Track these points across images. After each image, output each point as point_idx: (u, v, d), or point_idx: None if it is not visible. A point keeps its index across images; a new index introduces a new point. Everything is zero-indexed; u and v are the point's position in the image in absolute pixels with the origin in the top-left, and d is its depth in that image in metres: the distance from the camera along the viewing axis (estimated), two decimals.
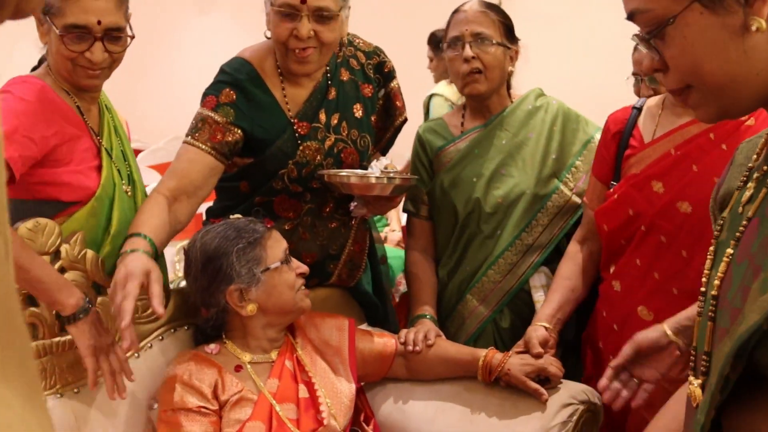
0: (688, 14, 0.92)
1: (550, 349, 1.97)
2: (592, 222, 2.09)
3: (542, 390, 1.85)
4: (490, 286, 2.25)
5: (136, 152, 2.79)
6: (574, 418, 1.84)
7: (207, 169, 1.97)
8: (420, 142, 2.38)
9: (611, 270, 2.04)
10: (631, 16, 1.02)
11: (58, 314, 1.72)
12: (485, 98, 2.27)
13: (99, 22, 1.82)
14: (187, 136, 2.02)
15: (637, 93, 2.66)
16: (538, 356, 1.90)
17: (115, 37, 1.87)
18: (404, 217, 3.27)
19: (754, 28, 0.88)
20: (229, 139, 2.00)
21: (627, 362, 1.63)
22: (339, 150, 2.15)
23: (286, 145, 2.07)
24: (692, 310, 1.64)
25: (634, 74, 2.60)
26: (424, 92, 4.53)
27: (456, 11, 2.25)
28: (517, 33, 2.28)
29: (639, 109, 2.05)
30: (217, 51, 7.34)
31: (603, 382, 1.65)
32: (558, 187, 2.25)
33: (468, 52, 2.17)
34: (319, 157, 2.11)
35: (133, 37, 1.91)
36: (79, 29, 1.81)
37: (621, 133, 2.04)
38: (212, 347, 1.85)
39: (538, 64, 3.20)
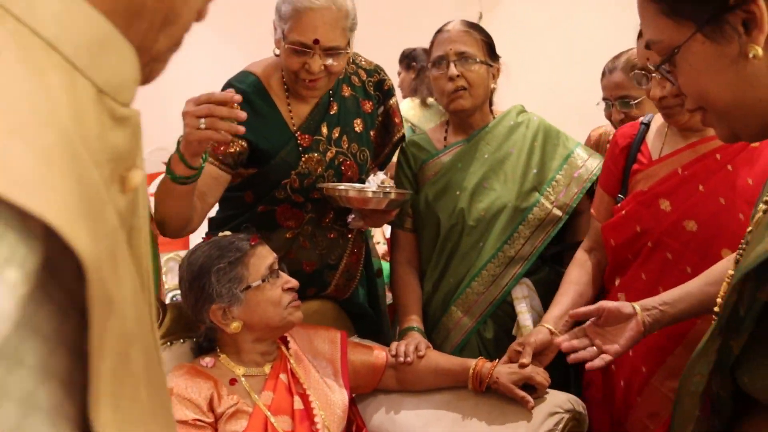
0: (692, 44, 0.98)
1: (551, 352, 2.00)
2: (599, 233, 2.13)
3: (528, 398, 1.89)
4: (473, 297, 2.29)
5: None
6: (560, 426, 1.88)
7: (210, 178, 2.01)
8: (404, 155, 2.43)
9: (616, 283, 2.07)
10: (648, 47, 1.09)
11: None
12: (469, 114, 2.33)
13: None
14: None
15: (608, 117, 2.71)
16: (523, 366, 1.94)
17: None
18: (388, 229, 3.31)
19: (751, 55, 0.93)
20: (233, 150, 2.05)
21: (587, 316, 1.70)
22: (339, 162, 2.22)
23: (289, 156, 2.14)
24: (667, 295, 1.69)
25: (604, 99, 2.65)
26: None
27: (439, 31, 2.31)
28: (498, 45, 2.34)
29: (647, 125, 2.09)
30: (198, 62, 7.37)
31: (563, 336, 1.74)
32: (539, 200, 2.30)
33: (453, 70, 2.23)
34: (320, 169, 2.18)
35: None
36: None
37: (629, 148, 2.07)
38: (207, 360, 1.88)
39: (519, 76, 3.26)
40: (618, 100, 2.56)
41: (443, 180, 2.35)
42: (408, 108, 4.29)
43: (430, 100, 4.20)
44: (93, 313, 0.46)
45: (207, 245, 1.87)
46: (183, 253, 4.36)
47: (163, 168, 6.43)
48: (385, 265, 3.70)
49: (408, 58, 4.62)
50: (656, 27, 1.03)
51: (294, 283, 1.91)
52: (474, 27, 2.30)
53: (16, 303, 0.43)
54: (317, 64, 2.00)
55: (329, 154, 2.20)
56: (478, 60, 2.25)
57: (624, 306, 1.68)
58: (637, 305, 1.68)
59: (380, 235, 4.23)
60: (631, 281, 2.01)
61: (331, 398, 1.93)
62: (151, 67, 0.66)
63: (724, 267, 1.65)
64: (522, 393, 1.90)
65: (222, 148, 2.03)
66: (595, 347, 1.71)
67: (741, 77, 0.96)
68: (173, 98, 8.62)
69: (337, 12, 1.98)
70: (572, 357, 1.72)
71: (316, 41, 1.97)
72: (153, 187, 5.99)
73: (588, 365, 1.70)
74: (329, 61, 2.01)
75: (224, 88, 2.13)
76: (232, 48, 6.80)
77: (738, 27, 0.94)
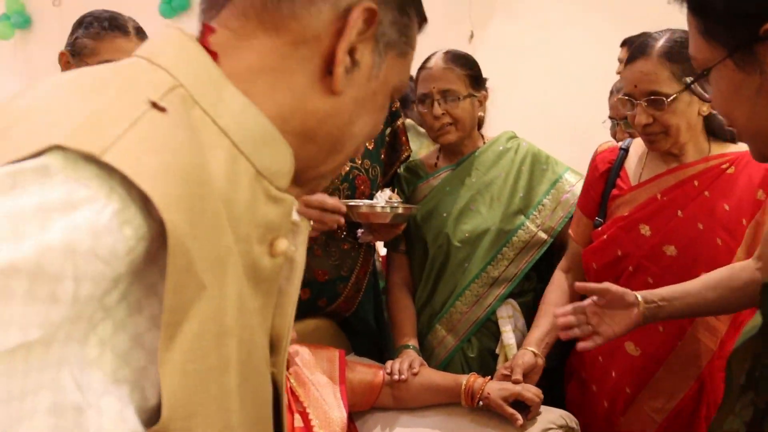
0: (721, 68, 1.01)
1: (536, 374, 2.04)
2: (577, 254, 2.17)
3: (517, 416, 1.93)
4: (457, 316, 2.34)
5: None
6: None
7: None
8: (399, 180, 2.51)
9: None
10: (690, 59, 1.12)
11: None
12: (457, 144, 2.39)
13: None
14: None
15: (614, 136, 2.75)
16: (516, 382, 1.97)
17: None
18: (383, 250, 3.33)
19: None
20: None
21: (592, 292, 1.73)
22: (353, 176, 2.32)
23: None
24: (667, 291, 1.73)
25: (610, 118, 2.69)
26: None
27: (422, 68, 2.34)
28: (489, 63, 2.37)
29: (626, 150, 2.13)
30: None
31: (562, 309, 1.77)
32: (524, 223, 2.34)
33: (437, 110, 2.28)
34: (336, 182, 2.28)
35: None
36: None
37: (608, 173, 2.11)
38: None
39: (509, 94, 3.30)
40: (623, 120, 2.59)
41: (432, 202, 2.40)
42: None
43: (421, 129, 4.28)
44: (169, 273, 0.60)
45: None
46: None
47: None
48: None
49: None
50: (695, 44, 1.06)
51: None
52: (456, 60, 2.32)
53: (127, 251, 0.60)
54: None
55: (345, 169, 2.29)
56: (462, 96, 2.29)
57: (628, 294, 1.71)
58: (639, 296, 1.71)
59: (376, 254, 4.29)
60: None
61: (330, 416, 1.96)
62: (317, 182, 0.87)
63: (723, 273, 1.69)
64: (511, 410, 1.94)
65: None
66: (590, 326, 1.74)
67: (762, 108, 0.98)
68: None
69: None
70: (564, 333, 1.76)
71: None
72: None
73: (579, 345, 1.73)
74: None
75: None
76: None
77: (765, 59, 0.95)
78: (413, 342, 2.31)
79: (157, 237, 0.61)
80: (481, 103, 2.36)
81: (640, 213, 2.01)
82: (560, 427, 1.95)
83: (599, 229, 2.10)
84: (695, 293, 1.70)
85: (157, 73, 0.72)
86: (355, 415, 2.15)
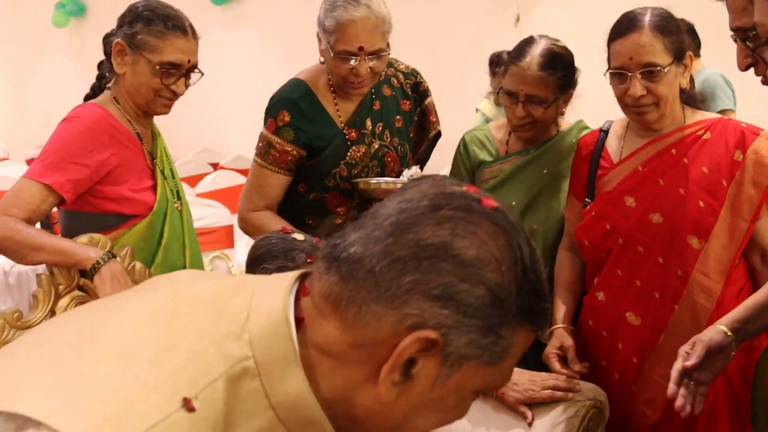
0: None
1: (571, 351, 2.09)
2: (574, 235, 2.23)
3: (528, 414, 1.96)
4: None
5: None
6: (581, 413, 1.95)
7: (283, 186, 2.36)
8: (465, 148, 2.49)
9: (594, 281, 2.17)
10: (753, 28, 1.15)
11: (82, 273, 1.89)
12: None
13: (189, 61, 2.11)
14: (257, 156, 2.37)
15: None
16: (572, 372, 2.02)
17: (191, 73, 2.16)
18: None
19: None
20: (291, 157, 2.33)
21: (699, 363, 1.68)
22: (383, 154, 2.42)
23: (338, 148, 2.36)
24: (738, 312, 1.76)
25: None
26: (458, 109, 4.73)
27: (516, 60, 2.25)
28: None
29: (606, 132, 2.20)
30: (242, 66, 7.60)
31: (672, 387, 1.69)
32: None
33: (520, 112, 2.25)
34: (366, 159, 2.39)
35: (202, 74, 2.20)
36: (173, 66, 2.08)
37: (591, 155, 2.18)
38: None
39: None
40: None
41: (501, 189, 2.38)
42: (485, 104, 5.18)
43: None
44: None
45: (276, 237, 1.93)
46: (228, 252, 4.52)
47: (209, 169, 6.60)
48: None
49: (492, 64, 4.99)
50: (762, 10, 1.08)
51: None
52: (551, 66, 2.21)
53: None
54: (363, 67, 2.22)
55: (374, 147, 2.41)
56: (548, 102, 2.24)
57: (724, 340, 1.71)
58: (728, 330, 1.72)
59: None
60: (608, 278, 2.11)
61: None
62: None
63: None
64: (523, 409, 1.97)
65: (284, 156, 2.31)
66: (701, 389, 1.73)
67: None
68: (219, 103, 8.80)
69: (376, 19, 2.19)
70: (678, 406, 1.73)
71: (361, 48, 2.19)
72: (201, 187, 6.11)
73: (696, 411, 1.72)
74: (373, 63, 2.23)
75: (273, 102, 2.36)
76: (274, 54, 6.95)
77: None
78: None
79: None
80: (566, 102, 2.32)
81: (624, 186, 2.08)
82: (588, 399, 1.99)
83: (587, 207, 2.16)
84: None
85: (238, 342, 0.81)
86: None
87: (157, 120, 2.27)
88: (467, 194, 0.83)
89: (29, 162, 6.22)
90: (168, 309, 0.84)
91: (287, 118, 2.32)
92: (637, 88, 1.95)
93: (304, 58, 2.33)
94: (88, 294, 1.89)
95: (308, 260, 1.93)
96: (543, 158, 2.38)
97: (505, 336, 0.81)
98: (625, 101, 2.01)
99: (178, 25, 2.09)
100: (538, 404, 1.98)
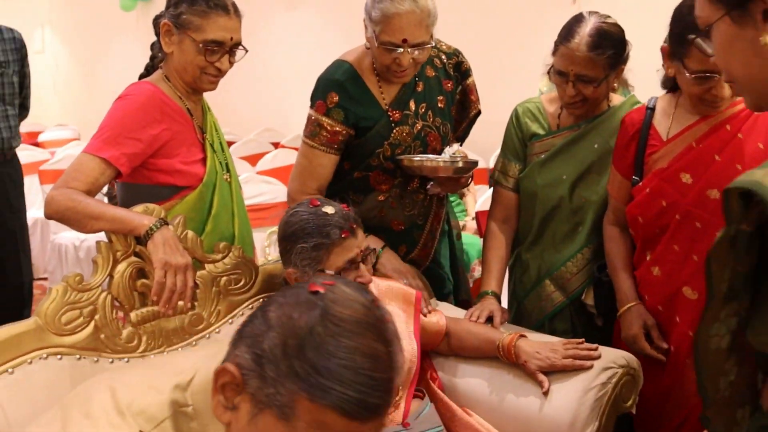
0: (721, 24, 1.12)
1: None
2: (618, 210, 2.26)
3: (545, 383, 2.02)
4: (567, 276, 2.42)
5: (229, 144, 3.07)
6: (613, 380, 1.98)
7: (333, 166, 2.43)
8: (517, 120, 2.52)
9: (648, 257, 2.18)
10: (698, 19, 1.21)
11: (137, 239, 1.97)
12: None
13: (231, 38, 2.18)
14: (307, 138, 2.42)
15: None
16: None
17: (236, 50, 2.22)
18: (478, 206, 3.39)
19: (762, 42, 1.07)
20: (341, 137, 2.40)
21: None
22: (425, 134, 2.48)
23: (383, 129, 2.42)
24: None
25: None
26: (515, 87, 4.72)
27: (566, 40, 2.25)
28: None
29: (652, 109, 2.19)
30: (304, 46, 7.66)
31: None
32: None
33: (570, 90, 2.28)
34: (409, 139, 2.44)
35: (246, 51, 2.25)
36: (216, 44, 2.15)
37: (639, 133, 2.18)
38: None
39: None
40: None
41: (552, 163, 2.42)
42: (545, 82, 4.97)
43: None
44: None
45: (307, 213, 2.00)
46: None
47: (270, 148, 6.72)
48: (476, 240, 3.86)
49: None
50: (699, 4, 1.16)
51: (367, 278, 2.03)
52: (600, 45, 2.21)
53: None
54: (406, 59, 2.28)
55: (417, 127, 2.46)
56: (599, 81, 2.25)
57: None
58: None
59: (472, 208, 4.41)
60: (664, 254, 2.13)
61: None
62: None
63: None
64: (542, 378, 2.03)
65: (335, 137, 2.38)
66: None
67: (758, 59, 1.08)
68: (281, 83, 8.86)
69: (421, 13, 2.23)
70: None
71: (405, 41, 2.24)
72: (261, 165, 6.21)
73: None
74: (416, 54, 2.28)
75: (321, 83, 2.42)
76: (335, 35, 6.99)
77: (757, 15, 1.06)
78: (495, 288, 2.42)
79: None
80: (617, 76, 2.32)
81: (679, 163, 2.09)
82: (621, 366, 2.01)
83: (640, 184, 2.17)
84: None
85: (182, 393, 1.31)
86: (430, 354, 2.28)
87: (220, 99, 2.36)
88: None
89: None
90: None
91: (336, 99, 2.37)
92: (725, 90, 1.97)
93: (363, 38, 2.38)
94: (144, 260, 1.98)
95: (342, 235, 1.99)
96: (594, 133, 2.40)
97: (283, 394, 0.97)
98: (705, 98, 2.01)
99: (219, 4, 2.15)
100: (558, 372, 2.04)
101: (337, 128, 2.38)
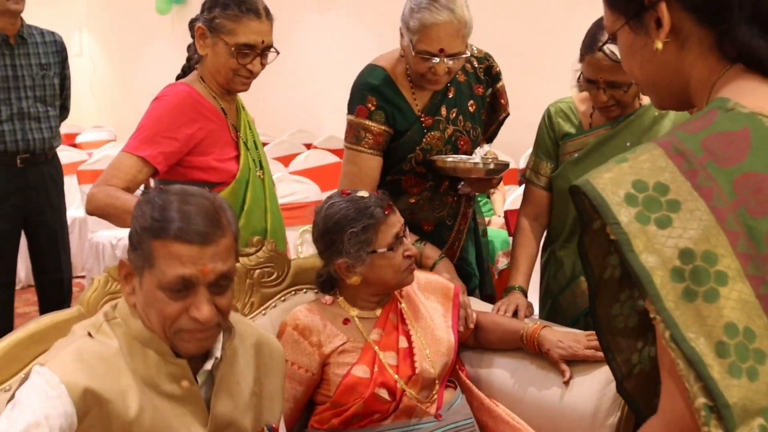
0: (621, 33, 1.20)
1: None
2: None
3: (567, 373, 2.07)
4: None
5: (262, 145, 3.14)
6: None
7: (380, 169, 2.46)
8: (549, 120, 2.55)
9: None
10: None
11: None
12: None
13: (263, 42, 2.25)
14: (352, 144, 2.44)
15: None
16: None
17: (267, 53, 2.29)
18: (507, 205, 3.43)
19: (654, 48, 1.15)
20: (384, 137, 2.44)
21: None
22: (456, 138, 2.52)
23: (415, 134, 2.46)
24: None
25: None
26: (527, 89, 4.75)
27: (590, 49, 2.29)
28: None
29: None
30: (336, 49, 7.74)
31: None
32: None
33: (602, 97, 2.32)
34: (440, 144, 2.49)
35: (278, 53, 2.32)
36: (248, 47, 2.23)
37: None
38: (327, 299, 2.14)
39: None
40: None
41: (584, 162, 2.43)
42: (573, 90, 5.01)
43: None
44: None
45: (344, 202, 2.05)
46: None
47: (302, 149, 6.81)
48: (502, 233, 3.90)
49: None
50: (605, 14, 1.25)
51: (414, 251, 2.11)
52: None
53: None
54: (442, 68, 2.31)
55: (448, 132, 2.50)
56: (628, 85, 2.29)
57: None
58: None
59: (500, 209, 4.45)
60: None
61: (437, 335, 2.14)
62: None
63: None
64: (564, 367, 2.08)
65: (379, 139, 2.42)
66: None
67: (652, 63, 1.17)
68: (313, 85, 8.94)
69: (458, 24, 2.26)
70: None
71: (442, 50, 2.28)
72: (294, 165, 6.30)
73: None
74: (451, 63, 2.32)
75: (357, 89, 2.47)
76: (367, 37, 7.06)
77: (651, 24, 1.14)
78: (522, 283, 2.46)
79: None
80: None
81: None
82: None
83: None
84: None
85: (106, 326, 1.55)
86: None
87: (255, 100, 2.43)
88: None
89: None
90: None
91: (376, 102, 2.41)
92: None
93: (396, 41, 2.43)
94: None
95: (386, 212, 2.06)
96: (626, 132, 2.41)
97: (144, 249, 1.45)
98: None
99: (251, 9, 2.23)
100: (582, 363, 2.08)
101: (382, 128, 2.42)
